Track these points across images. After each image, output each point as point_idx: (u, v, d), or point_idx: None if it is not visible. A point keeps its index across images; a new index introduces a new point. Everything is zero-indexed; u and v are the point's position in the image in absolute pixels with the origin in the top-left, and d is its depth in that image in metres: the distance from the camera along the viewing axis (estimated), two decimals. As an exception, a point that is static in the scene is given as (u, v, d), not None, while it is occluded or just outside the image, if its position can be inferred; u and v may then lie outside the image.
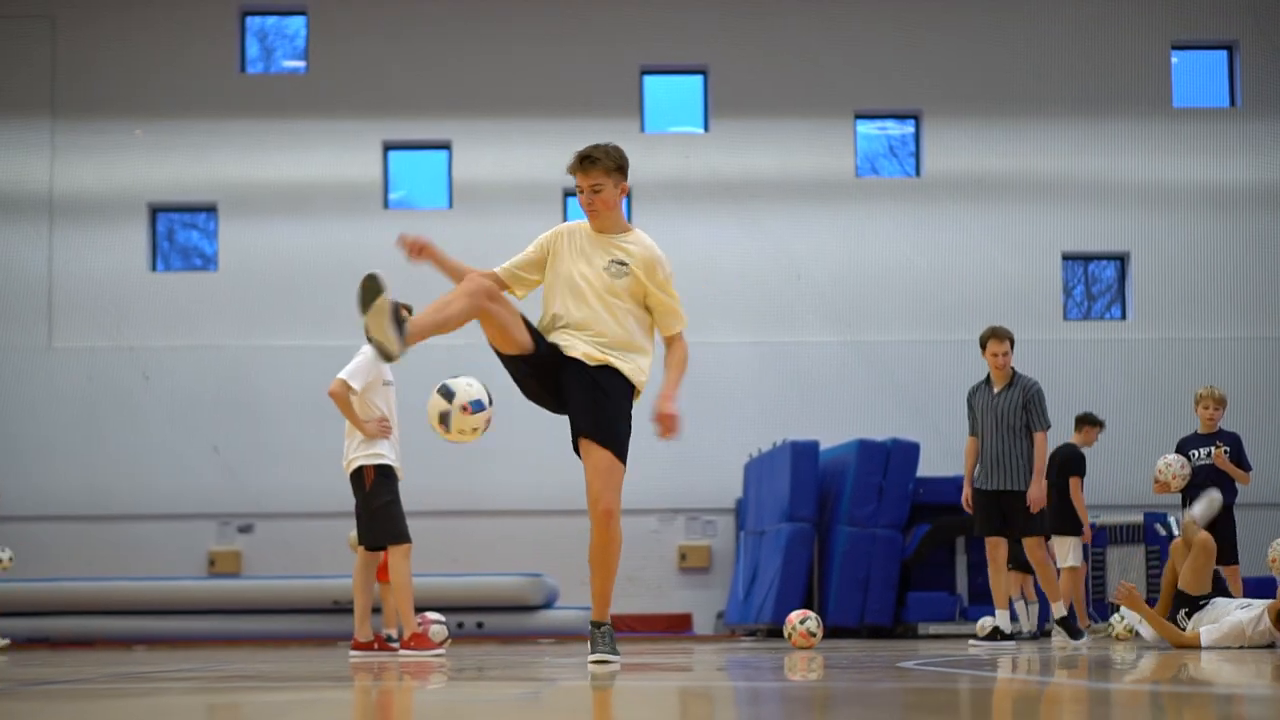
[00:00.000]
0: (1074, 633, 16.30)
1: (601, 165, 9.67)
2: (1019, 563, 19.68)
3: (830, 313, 29.29)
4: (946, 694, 6.66)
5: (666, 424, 9.78)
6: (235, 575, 28.29)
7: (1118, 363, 29.48)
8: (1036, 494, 15.94)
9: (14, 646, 22.64)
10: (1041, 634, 20.89)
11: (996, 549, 16.21)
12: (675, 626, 27.98)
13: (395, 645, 13.59)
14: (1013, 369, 16.36)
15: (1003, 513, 16.05)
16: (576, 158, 9.65)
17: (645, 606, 28.18)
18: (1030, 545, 16.21)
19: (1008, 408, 16.03)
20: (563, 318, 9.67)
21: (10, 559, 22.07)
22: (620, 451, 9.55)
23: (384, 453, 13.26)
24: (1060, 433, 18.93)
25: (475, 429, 9.32)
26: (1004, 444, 15.99)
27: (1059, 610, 16.47)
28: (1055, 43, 29.85)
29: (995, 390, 16.21)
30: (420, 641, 13.07)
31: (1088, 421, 19.66)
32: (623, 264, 9.73)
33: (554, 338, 9.65)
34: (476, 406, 9.29)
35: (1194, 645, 13.10)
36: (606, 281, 9.69)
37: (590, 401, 9.63)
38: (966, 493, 16.34)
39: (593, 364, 9.59)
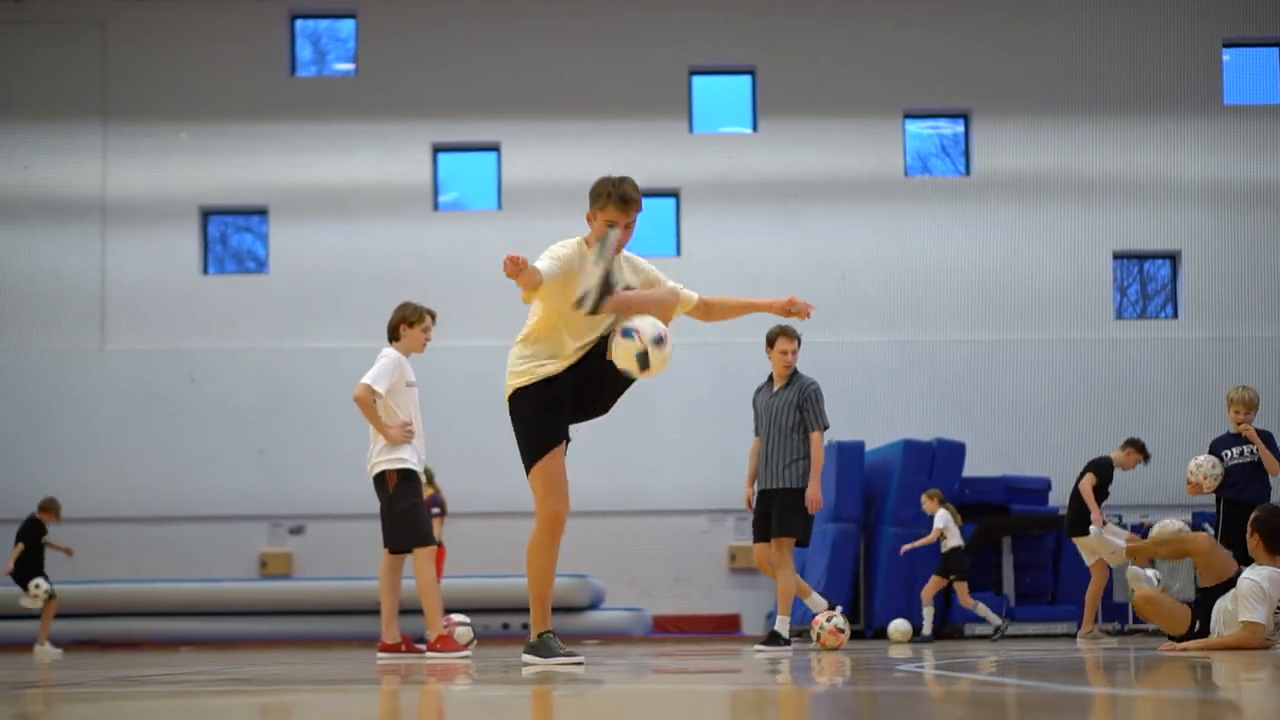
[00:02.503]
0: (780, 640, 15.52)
1: (638, 205, 9.99)
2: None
3: (876, 313, 29.21)
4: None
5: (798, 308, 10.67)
6: (287, 577, 28.37)
7: (1168, 362, 29.29)
8: (814, 494, 15.32)
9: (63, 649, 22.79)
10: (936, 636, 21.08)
11: (767, 554, 15.65)
12: (723, 628, 27.93)
13: (422, 647, 13.60)
14: (795, 369, 15.82)
15: (765, 510, 15.57)
16: (619, 197, 9.86)
17: (694, 607, 28.16)
18: (777, 544, 15.37)
19: (782, 406, 15.56)
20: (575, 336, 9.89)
21: (45, 591, 22.14)
22: None
23: (406, 457, 13.27)
24: (1105, 442, 18.84)
25: (667, 358, 9.45)
26: (775, 443, 15.50)
27: (783, 623, 15.64)
28: (1106, 40, 29.69)
29: (775, 389, 15.74)
30: (446, 643, 13.08)
31: (1134, 445, 19.47)
32: (627, 286, 10.10)
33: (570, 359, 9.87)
34: (660, 341, 9.45)
35: (1260, 639, 12.70)
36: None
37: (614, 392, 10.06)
38: (749, 493, 15.71)
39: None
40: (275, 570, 28.65)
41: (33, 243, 29.47)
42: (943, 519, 21.11)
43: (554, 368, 9.94)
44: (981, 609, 21.10)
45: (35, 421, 29.07)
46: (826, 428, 15.64)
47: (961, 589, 21.28)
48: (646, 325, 9.55)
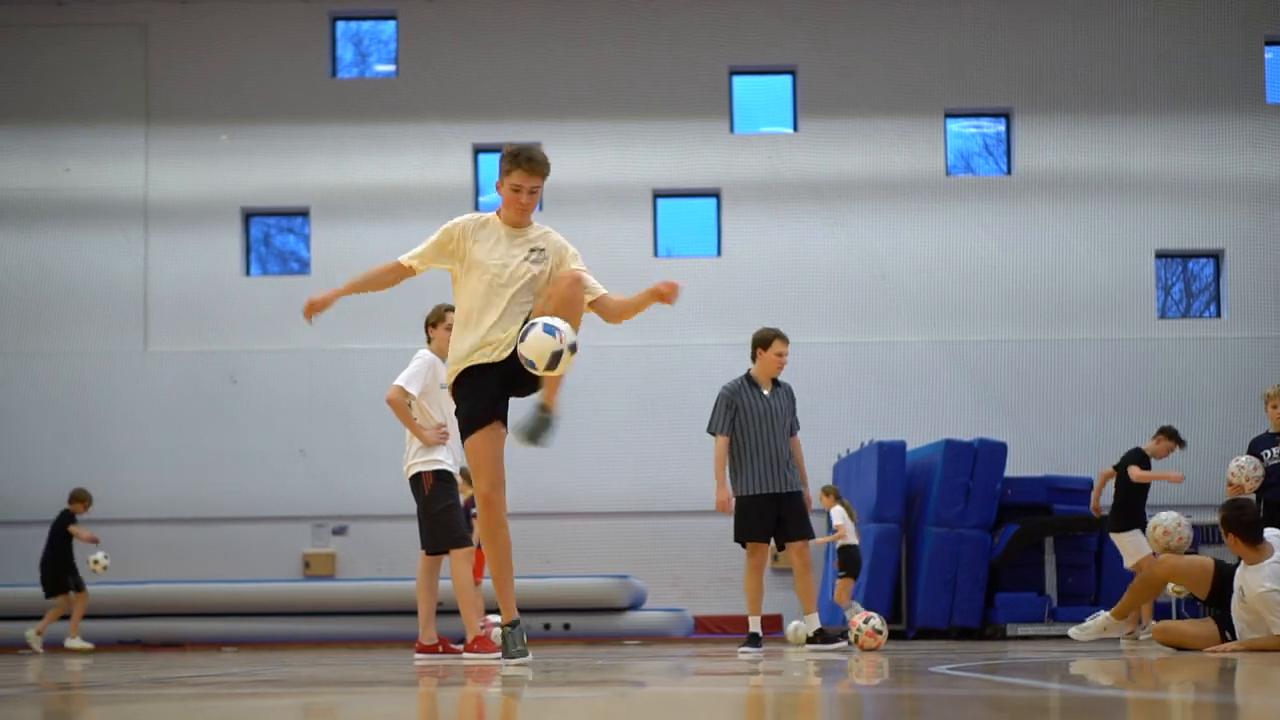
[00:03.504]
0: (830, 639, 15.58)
1: (545, 170, 10.12)
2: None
3: (918, 313, 29.14)
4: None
5: (673, 288, 10.21)
6: (330, 577, 28.42)
7: (1212, 362, 29.16)
8: (810, 494, 15.40)
9: (96, 650, 22.87)
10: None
11: (763, 554, 15.56)
12: (765, 628, 27.83)
13: (459, 648, 13.59)
14: None
15: (779, 516, 15.41)
16: (524, 159, 10.01)
17: (737, 608, 28.08)
18: (803, 546, 15.35)
19: (781, 409, 15.46)
20: (485, 311, 10.02)
21: (105, 560, 22.26)
22: None
23: (442, 458, 13.24)
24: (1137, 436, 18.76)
25: (569, 366, 9.50)
26: (779, 445, 15.39)
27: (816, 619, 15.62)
28: (1148, 39, 29.57)
29: (765, 391, 15.59)
30: (483, 645, 13.05)
31: (1165, 433, 19.38)
32: (540, 250, 10.18)
33: (491, 350, 9.95)
34: (574, 348, 9.48)
35: None
36: (528, 269, 10.11)
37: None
38: (724, 495, 15.34)
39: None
40: (318, 571, 28.71)
41: (76, 245, 29.59)
42: (840, 515, 21.04)
43: (484, 358, 9.93)
44: (851, 612, 21.06)
45: (79, 422, 29.19)
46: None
47: (844, 586, 21.19)
48: (568, 330, 9.54)
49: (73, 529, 22.46)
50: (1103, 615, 14.39)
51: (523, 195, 10.05)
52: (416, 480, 13.32)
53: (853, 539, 21.09)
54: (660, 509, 28.75)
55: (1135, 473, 18.95)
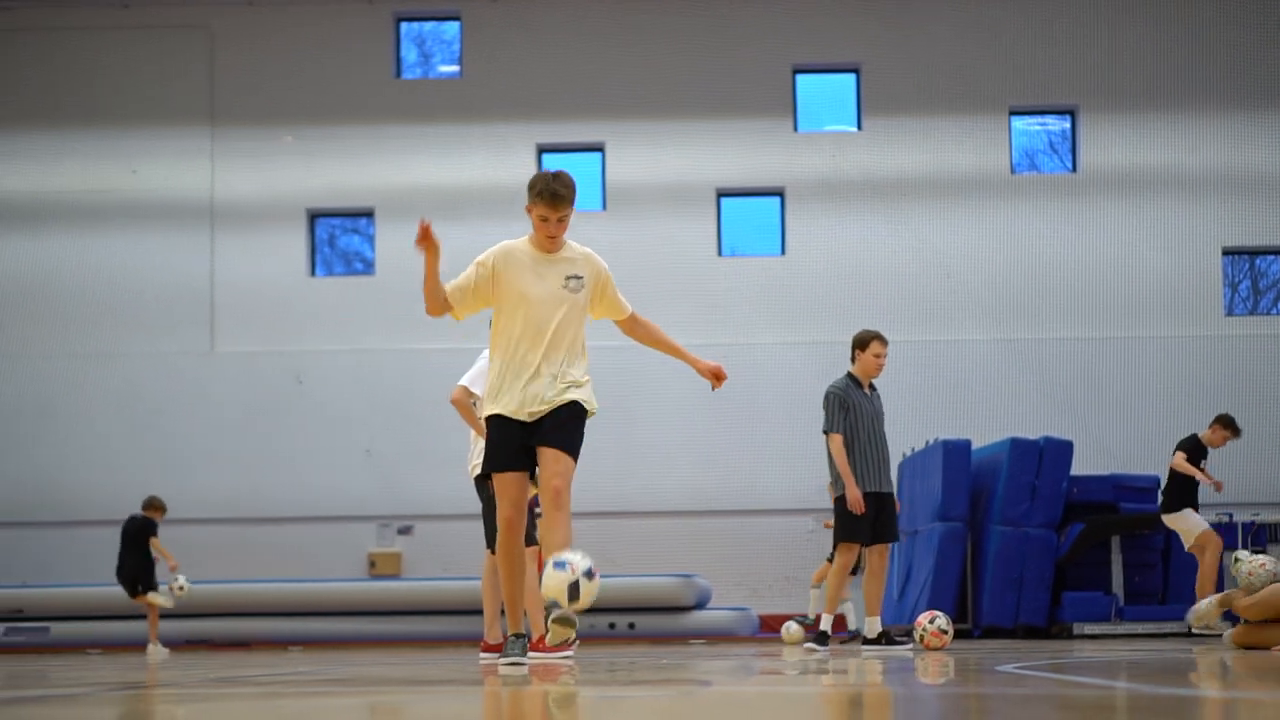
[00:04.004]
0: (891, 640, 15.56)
1: (569, 199, 9.98)
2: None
3: (983, 311, 29.04)
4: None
5: (720, 374, 10.48)
6: (395, 577, 28.49)
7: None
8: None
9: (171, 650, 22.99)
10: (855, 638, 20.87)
11: (856, 556, 15.56)
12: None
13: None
14: None
15: (877, 513, 15.43)
16: (547, 193, 9.91)
17: (802, 607, 28.05)
18: (885, 550, 15.45)
19: (880, 410, 15.58)
20: (521, 341, 10.02)
21: (187, 586, 22.27)
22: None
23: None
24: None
25: (594, 591, 9.47)
26: (881, 446, 15.45)
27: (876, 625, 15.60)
28: (1213, 34, 29.39)
29: (867, 392, 15.64)
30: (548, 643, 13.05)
31: (1221, 422, 19.24)
32: (578, 277, 10.09)
33: (511, 398, 9.96)
34: (590, 574, 9.42)
35: None
36: (564, 296, 10.04)
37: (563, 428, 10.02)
38: (856, 494, 15.27)
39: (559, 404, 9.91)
40: (384, 570, 28.78)
41: (142, 247, 29.75)
42: None
43: (505, 408, 9.93)
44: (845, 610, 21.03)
45: (145, 423, 29.34)
46: None
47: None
48: (578, 558, 9.46)
49: (157, 544, 22.49)
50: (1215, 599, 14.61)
51: (550, 225, 9.95)
52: (481, 480, 13.33)
53: None
54: (725, 508, 28.74)
55: (1178, 460, 18.87)
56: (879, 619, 15.45)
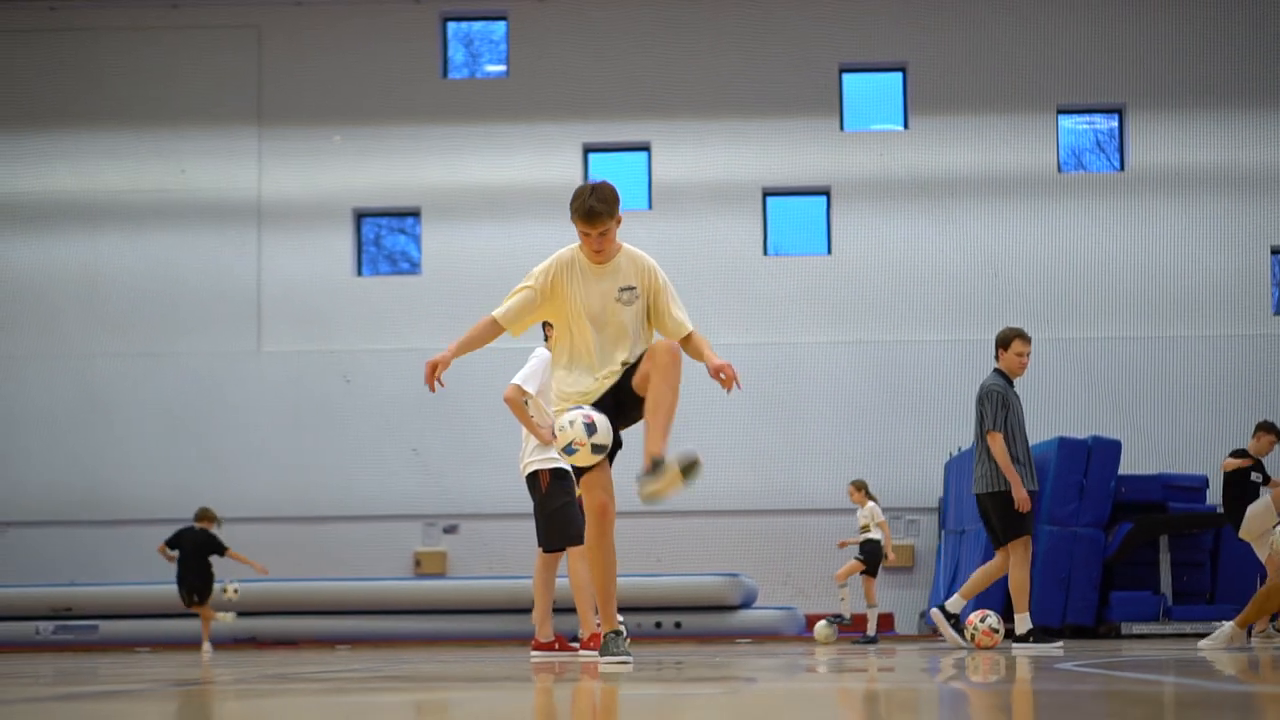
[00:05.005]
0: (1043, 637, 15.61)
1: (607, 215, 9.85)
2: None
3: (1030, 310, 28.95)
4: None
5: (730, 372, 10.21)
6: (441, 576, 28.55)
7: (1329, 358, 28.88)
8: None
9: (216, 649, 23.09)
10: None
11: (1029, 549, 15.59)
12: (881, 626, 27.74)
13: (576, 646, 13.62)
14: None
15: None
16: (582, 211, 9.82)
17: (849, 606, 28.02)
18: (1027, 541, 15.50)
19: (1023, 408, 15.73)
20: (583, 353, 9.97)
21: (238, 592, 22.48)
22: None
23: (556, 456, 13.23)
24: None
25: (583, 443, 9.43)
26: (1027, 443, 15.58)
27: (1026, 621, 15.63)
28: (1261, 32, 29.27)
29: (1015, 391, 15.76)
30: (599, 642, 13.06)
31: (1265, 428, 19.13)
32: (631, 288, 10.01)
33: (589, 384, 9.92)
34: (589, 430, 9.42)
35: None
36: (618, 309, 9.97)
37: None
38: (1023, 492, 15.33)
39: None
40: (429, 569, 28.84)
41: (191, 246, 29.87)
42: (876, 512, 21.05)
43: (578, 389, 9.92)
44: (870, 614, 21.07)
45: (193, 422, 29.46)
46: None
47: (870, 583, 21.17)
48: (572, 425, 9.59)
49: (237, 555, 22.58)
50: (1228, 626, 14.39)
51: (592, 240, 9.90)
52: (533, 479, 13.35)
53: (875, 534, 21.05)
54: (770, 507, 28.73)
55: (1229, 463, 18.74)
56: (1027, 615, 15.43)
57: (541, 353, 13.39)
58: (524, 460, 13.43)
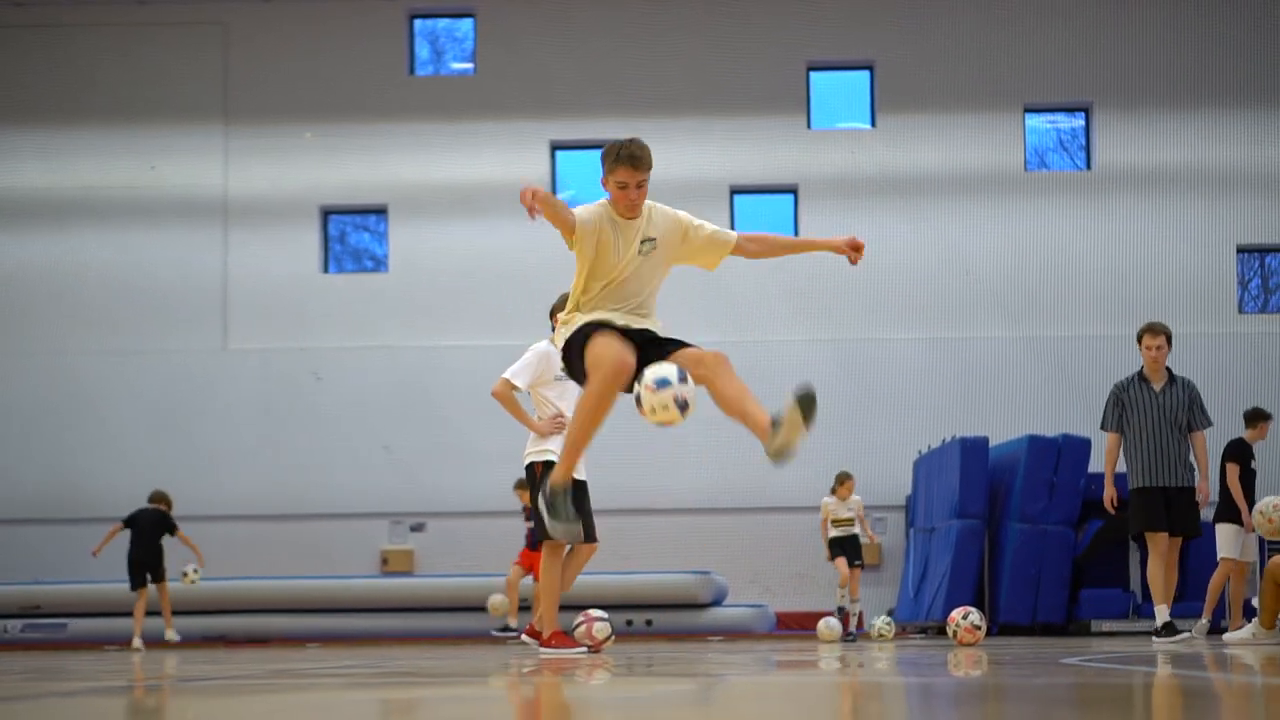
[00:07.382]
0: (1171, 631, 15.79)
1: (648, 163, 9.66)
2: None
3: (999, 308, 29.04)
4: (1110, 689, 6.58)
5: (858, 246, 10.50)
6: (408, 574, 28.50)
7: (1294, 356, 29.02)
8: (1207, 488, 15.70)
9: (182, 645, 23.05)
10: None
11: (1162, 543, 15.73)
12: (845, 624, 27.76)
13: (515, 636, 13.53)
14: (1167, 366, 16.17)
15: (1168, 508, 15.64)
16: (625, 156, 9.55)
17: (815, 604, 28.04)
18: (1177, 543, 15.80)
19: (1175, 404, 15.76)
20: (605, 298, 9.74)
21: (197, 575, 22.55)
22: None
23: (553, 449, 13.11)
24: (1229, 436, 18.65)
25: (665, 405, 9.11)
26: (1172, 440, 15.67)
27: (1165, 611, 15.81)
28: (1228, 32, 29.40)
29: (1156, 387, 15.85)
30: (561, 640, 12.99)
31: (1250, 417, 19.17)
32: (650, 240, 9.86)
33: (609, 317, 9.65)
34: (661, 384, 9.10)
35: None
36: (639, 261, 9.80)
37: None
38: (1111, 493, 15.76)
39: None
40: (396, 567, 28.82)
41: (159, 243, 29.78)
42: (859, 504, 21.07)
43: (605, 316, 9.68)
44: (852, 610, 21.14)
45: (161, 420, 29.37)
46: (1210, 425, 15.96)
47: (855, 575, 21.19)
48: (654, 369, 9.20)
49: (186, 537, 22.68)
50: (1251, 624, 14.71)
51: (630, 191, 9.60)
52: (530, 471, 13.30)
53: (856, 529, 21.03)
54: (740, 505, 28.74)
55: (1232, 481, 18.66)
56: (1166, 608, 15.49)
57: (538, 347, 13.31)
58: (525, 453, 13.36)
